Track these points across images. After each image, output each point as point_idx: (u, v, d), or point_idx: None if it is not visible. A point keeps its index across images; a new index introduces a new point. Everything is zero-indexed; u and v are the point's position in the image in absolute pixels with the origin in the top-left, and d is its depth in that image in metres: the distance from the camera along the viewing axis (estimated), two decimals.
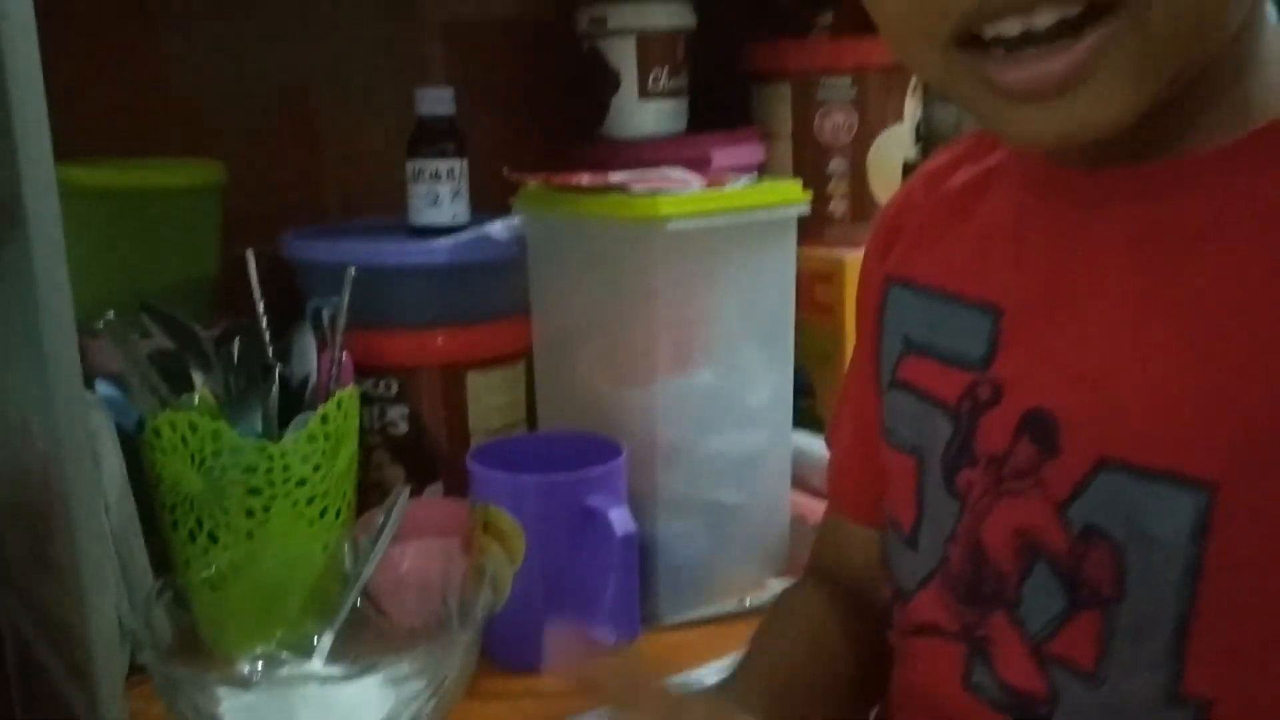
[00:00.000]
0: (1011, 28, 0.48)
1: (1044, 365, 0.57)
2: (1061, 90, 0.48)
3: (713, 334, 1.02)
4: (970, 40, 0.50)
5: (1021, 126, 0.51)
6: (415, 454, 1.13)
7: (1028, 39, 0.48)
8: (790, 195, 1.04)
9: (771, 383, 1.07)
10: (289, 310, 1.08)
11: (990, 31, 0.49)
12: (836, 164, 1.34)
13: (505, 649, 0.89)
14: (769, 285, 1.06)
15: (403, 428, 1.13)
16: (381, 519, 0.88)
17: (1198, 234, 0.52)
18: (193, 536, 0.94)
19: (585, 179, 1.08)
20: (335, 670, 0.82)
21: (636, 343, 0.99)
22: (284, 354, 1.01)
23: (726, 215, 0.99)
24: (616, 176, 1.09)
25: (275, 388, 0.96)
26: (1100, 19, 0.47)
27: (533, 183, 1.08)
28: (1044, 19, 0.47)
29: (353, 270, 0.98)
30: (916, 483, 0.64)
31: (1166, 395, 0.51)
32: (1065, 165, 0.58)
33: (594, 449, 0.94)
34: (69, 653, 0.86)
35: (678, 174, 1.09)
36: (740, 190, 1.01)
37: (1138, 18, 0.47)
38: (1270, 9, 0.55)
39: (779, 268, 1.06)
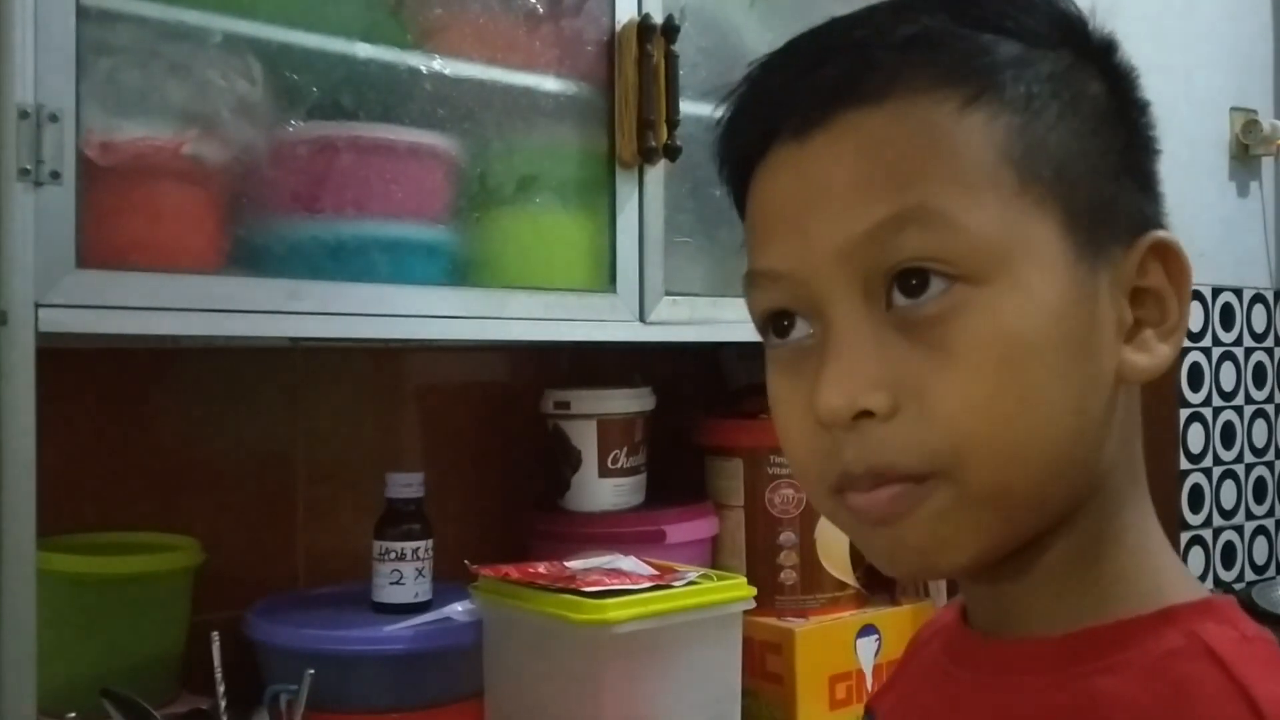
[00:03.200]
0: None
1: None
2: (887, 520, 0.56)
3: None
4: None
5: (873, 550, 0.59)
6: None
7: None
8: (737, 592, 1.10)
9: None
10: (252, 679, 1.11)
11: None
12: (786, 536, 1.40)
13: None
14: (716, 674, 1.10)
15: None
16: None
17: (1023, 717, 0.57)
18: None
19: (543, 569, 1.14)
20: None
21: None
22: None
23: (674, 615, 1.04)
24: (572, 564, 1.16)
25: None
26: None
27: (491, 575, 1.14)
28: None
29: (311, 671, 1.02)
30: None
31: None
32: (966, 625, 0.64)
33: None
34: None
35: (630, 564, 1.15)
36: (687, 590, 1.07)
37: (950, 478, 0.55)
38: (1143, 498, 0.61)
39: (725, 658, 1.10)
